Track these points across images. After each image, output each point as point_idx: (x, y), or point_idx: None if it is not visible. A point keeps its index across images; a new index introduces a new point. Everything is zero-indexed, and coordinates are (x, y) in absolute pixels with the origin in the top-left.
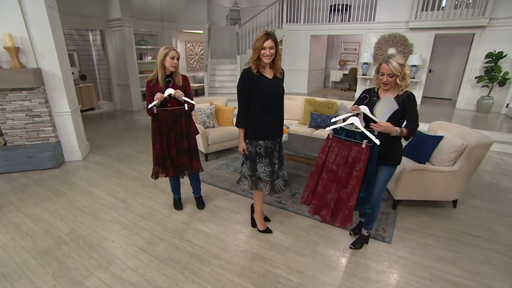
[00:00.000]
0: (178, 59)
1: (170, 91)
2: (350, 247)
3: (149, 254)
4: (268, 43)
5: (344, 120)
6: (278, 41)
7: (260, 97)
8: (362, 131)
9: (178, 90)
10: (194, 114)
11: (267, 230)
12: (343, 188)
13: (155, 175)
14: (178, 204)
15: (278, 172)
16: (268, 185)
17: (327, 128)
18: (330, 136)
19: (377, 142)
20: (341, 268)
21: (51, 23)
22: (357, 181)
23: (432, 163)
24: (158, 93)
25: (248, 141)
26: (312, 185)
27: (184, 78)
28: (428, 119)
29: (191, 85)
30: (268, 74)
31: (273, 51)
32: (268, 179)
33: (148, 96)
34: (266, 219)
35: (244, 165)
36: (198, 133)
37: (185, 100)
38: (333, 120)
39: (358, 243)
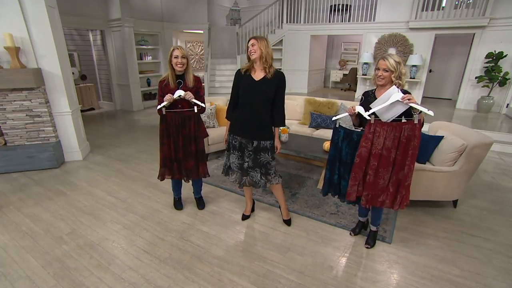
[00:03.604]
0: (183, 57)
1: (180, 92)
2: (366, 247)
3: (149, 254)
4: (250, 42)
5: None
6: (278, 41)
7: (239, 94)
8: (358, 130)
9: (188, 92)
10: None
11: (244, 217)
12: (400, 170)
13: (162, 177)
14: (178, 204)
15: (248, 170)
16: (236, 175)
17: (367, 113)
18: (372, 121)
19: (431, 113)
20: (341, 268)
21: (51, 23)
22: (412, 159)
23: (432, 163)
24: (168, 94)
25: (229, 133)
26: (359, 177)
27: (197, 79)
28: (428, 119)
29: None
30: (256, 75)
31: (255, 47)
32: (237, 170)
33: (159, 95)
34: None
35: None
36: (208, 135)
37: (195, 103)
38: (372, 108)
39: (371, 241)
